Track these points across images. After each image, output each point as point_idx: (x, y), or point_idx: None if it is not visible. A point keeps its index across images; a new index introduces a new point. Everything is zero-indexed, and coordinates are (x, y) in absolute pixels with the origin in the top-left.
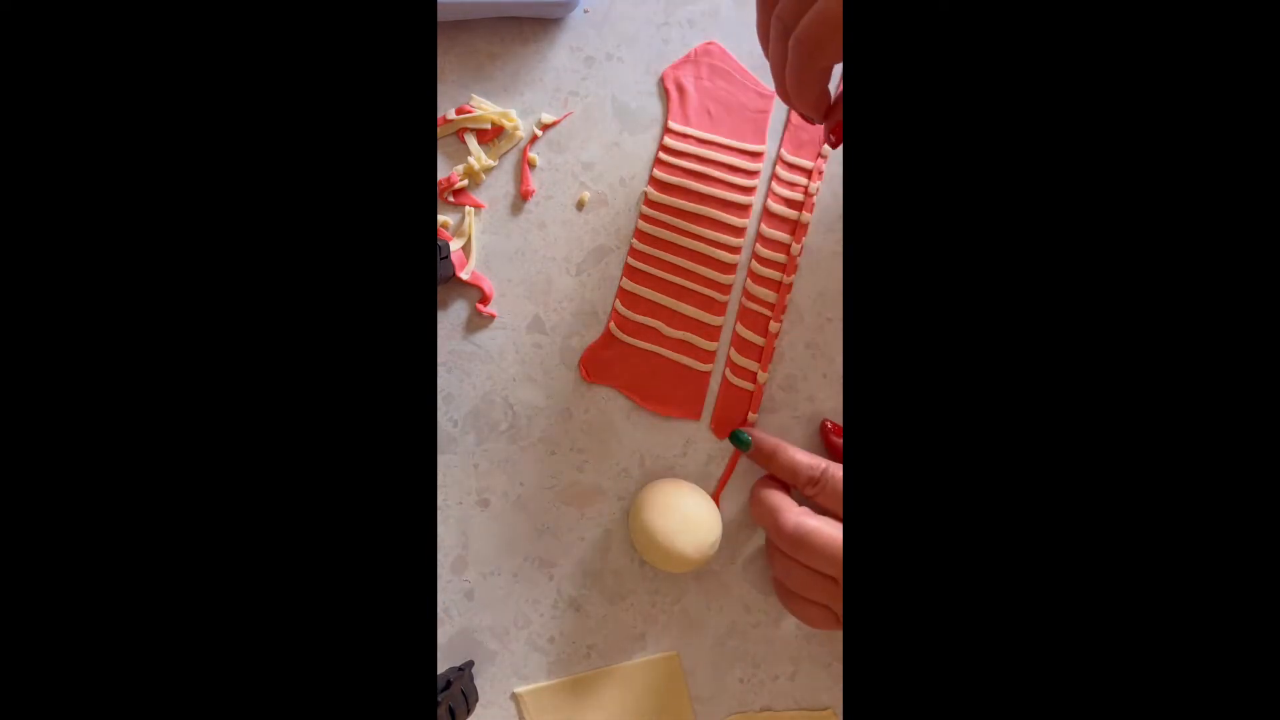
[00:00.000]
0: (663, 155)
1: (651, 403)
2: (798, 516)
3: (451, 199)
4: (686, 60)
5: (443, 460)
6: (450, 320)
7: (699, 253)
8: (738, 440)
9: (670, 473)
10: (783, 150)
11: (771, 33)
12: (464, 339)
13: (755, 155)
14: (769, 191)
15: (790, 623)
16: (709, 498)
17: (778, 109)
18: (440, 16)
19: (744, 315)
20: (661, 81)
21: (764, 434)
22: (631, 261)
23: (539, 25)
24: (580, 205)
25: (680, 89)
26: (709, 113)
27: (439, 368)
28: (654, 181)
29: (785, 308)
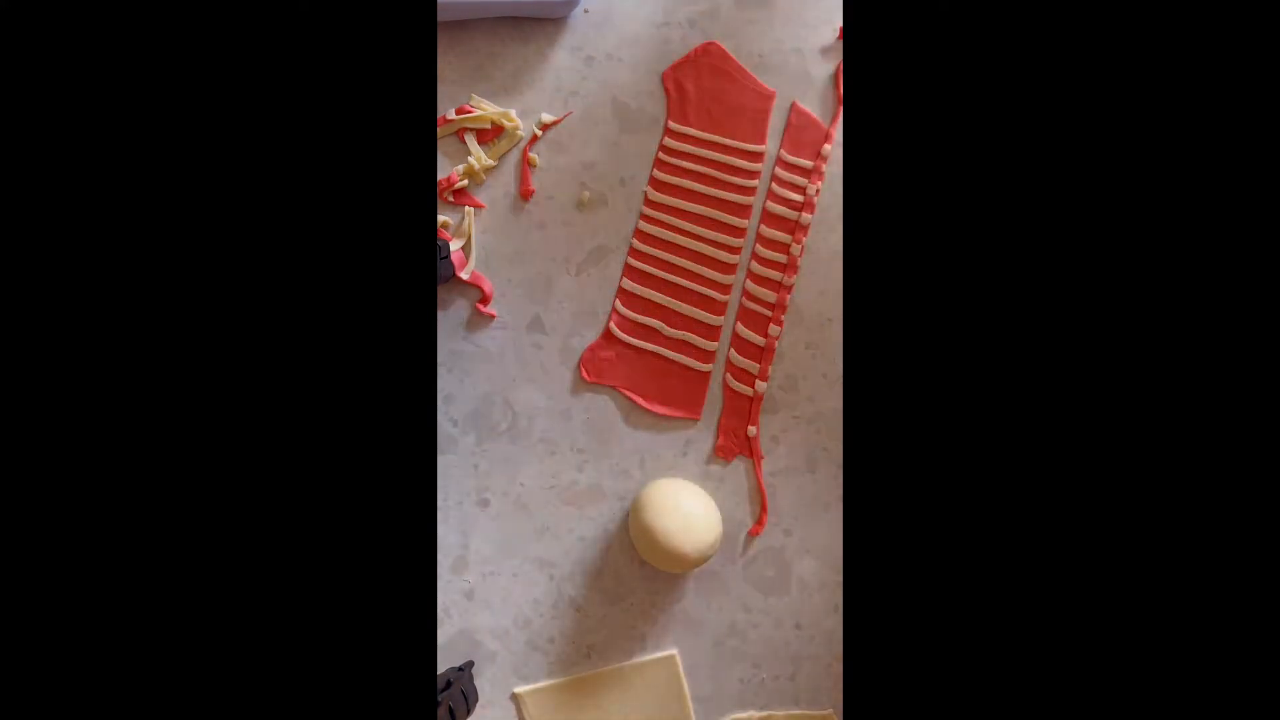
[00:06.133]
0: (663, 155)
1: (651, 403)
2: None
3: (451, 199)
4: (687, 60)
5: (443, 460)
6: (450, 320)
7: (699, 253)
8: None
9: (670, 473)
10: (783, 151)
11: None
12: (464, 339)
13: (755, 155)
14: (769, 192)
15: (790, 622)
16: (709, 498)
17: (778, 109)
18: (440, 16)
19: (744, 315)
20: (662, 81)
21: None
22: (632, 261)
23: (539, 25)
24: (580, 205)
25: (680, 89)
26: (709, 113)
27: (439, 368)
28: (654, 181)
29: (785, 308)
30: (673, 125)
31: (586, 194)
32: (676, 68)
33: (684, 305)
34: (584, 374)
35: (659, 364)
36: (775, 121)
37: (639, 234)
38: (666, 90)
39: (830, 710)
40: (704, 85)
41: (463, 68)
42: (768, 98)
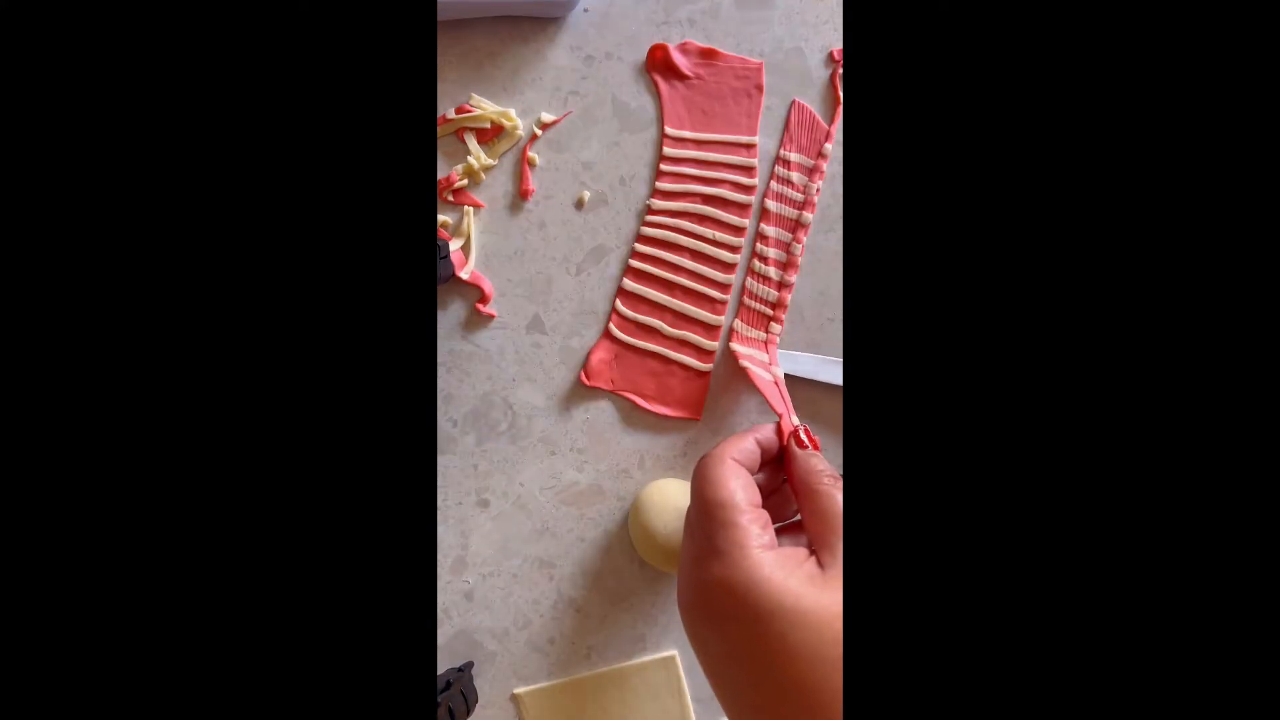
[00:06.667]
0: (664, 166)
1: (652, 403)
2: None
3: (451, 198)
4: (670, 63)
5: (443, 460)
6: (450, 320)
7: (700, 252)
8: None
9: (670, 473)
10: (783, 150)
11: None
12: (463, 339)
13: (750, 148)
14: (770, 191)
15: None
16: None
17: (768, 94)
18: (440, 16)
19: (745, 314)
20: (650, 76)
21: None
22: (633, 263)
23: (539, 24)
24: (580, 205)
25: (671, 85)
26: (702, 110)
27: (438, 367)
28: (658, 193)
29: (786, 307)
30: (670, 131)
31: (586, 194)
32: (665, 69)
33: (684, 305)
34: (584, 379)
35: (659, 364)
36: (775, 120)
37: (641, 238)
38: (659, 90)
39: None
40: (693, 82)
41: (462, 67)
42: (754, 69)
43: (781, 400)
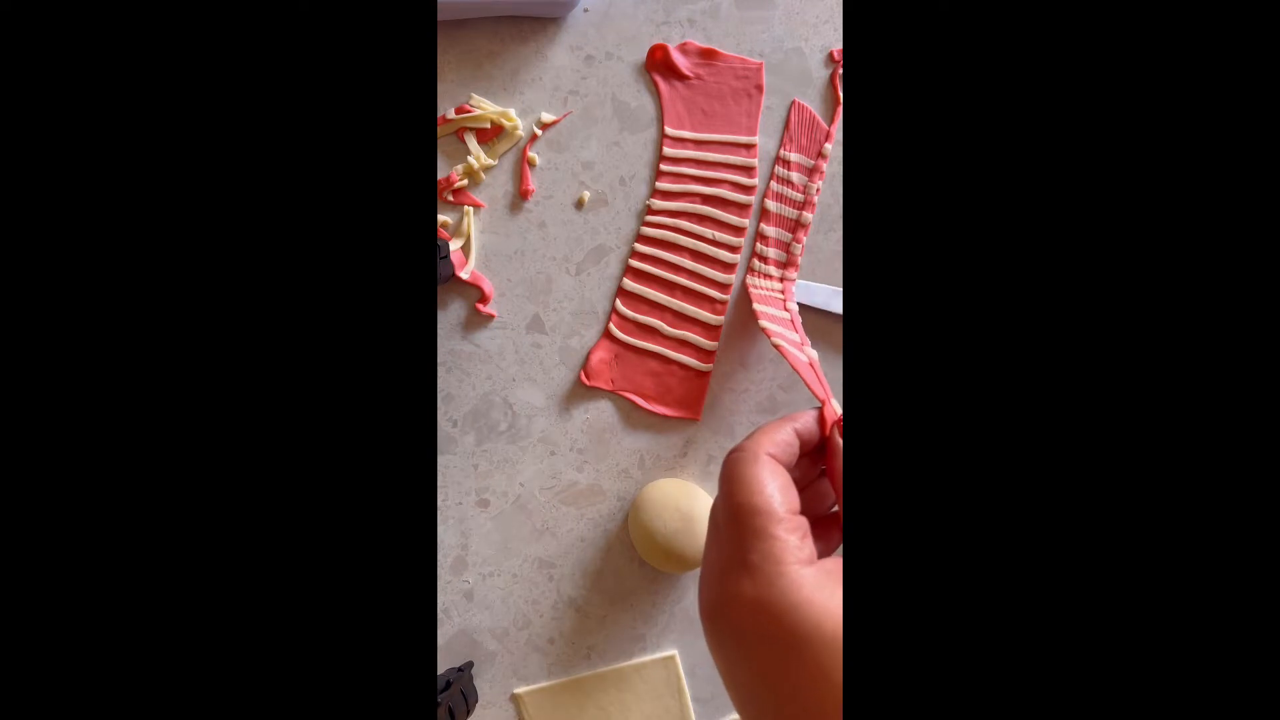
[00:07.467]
0: (664, 166)
1: (652, 403)
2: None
3: (451, 198)
4: (670, 63)
5: (443, 460)
6: (450, 320)
7: (700, 252)
8: None
9: (670, 473)
10: (783, 150)
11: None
12: (463, 339)
13: (750, 148)
14: (770, 191)
15: None
16: (709, 498)
17: (768, 94)
18: (440, 16)
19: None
20: (650, 76)
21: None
22: (632, 263)
23: (538, 24)
24: (580, 205)
25: (671, 85)
26: (702, 110)
27: (438, 368)
28: (658, 193)
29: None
30: (670, 131)
31: (586, 194)
32: (665, 69)
33: (684, 305)
34: (584, 379)
35: (659, 364)
36: (775, 120)
37: (641, 238)
38: (659, 89)
39: None
40: (694, 82)
41: (462, 67)
42: (754, 69)
43: (820, 384)
